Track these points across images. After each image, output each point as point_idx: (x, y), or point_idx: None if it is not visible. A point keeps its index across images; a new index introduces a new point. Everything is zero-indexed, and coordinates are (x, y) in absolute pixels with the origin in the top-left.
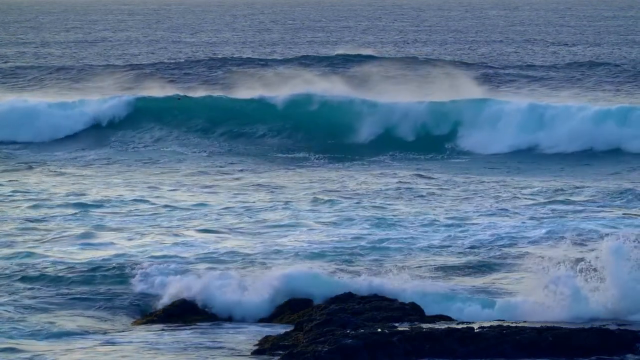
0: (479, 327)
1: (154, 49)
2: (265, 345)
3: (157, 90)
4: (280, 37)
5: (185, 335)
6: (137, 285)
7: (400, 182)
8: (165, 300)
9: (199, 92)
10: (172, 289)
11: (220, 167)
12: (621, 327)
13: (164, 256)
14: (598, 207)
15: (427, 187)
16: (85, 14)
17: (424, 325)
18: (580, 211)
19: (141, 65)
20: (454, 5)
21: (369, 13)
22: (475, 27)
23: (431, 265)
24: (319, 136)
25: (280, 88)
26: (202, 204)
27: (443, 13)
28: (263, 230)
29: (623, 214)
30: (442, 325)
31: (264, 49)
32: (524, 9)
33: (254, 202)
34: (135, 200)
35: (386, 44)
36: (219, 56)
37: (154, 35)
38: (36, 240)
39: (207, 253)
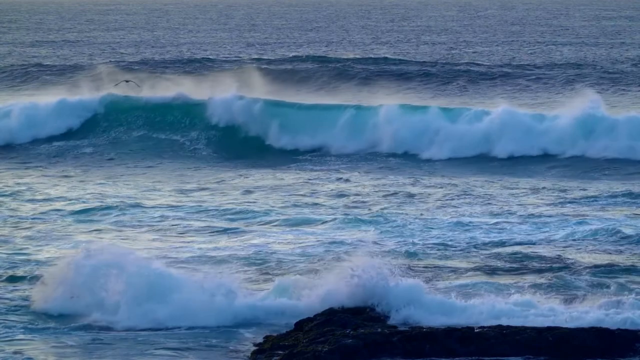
0: (478, 327)
1: (141, 49)
2: (265, 345)
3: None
4: (268, 37)
5: (185, 334)
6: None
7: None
8: None
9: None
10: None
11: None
12: (621, 327)
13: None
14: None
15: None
16: (81, 13)
17: (424, 325)
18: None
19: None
20: (451, 4)
21: (366, 13)
22: (468, 27)
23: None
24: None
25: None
26: (174, 206)
27: (440, 12)
28: (256, 232)
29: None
30: (441, 326)
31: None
32: (519, 8)
33: (248, 204)
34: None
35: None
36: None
37: (145, 35)
38: (32, 239)
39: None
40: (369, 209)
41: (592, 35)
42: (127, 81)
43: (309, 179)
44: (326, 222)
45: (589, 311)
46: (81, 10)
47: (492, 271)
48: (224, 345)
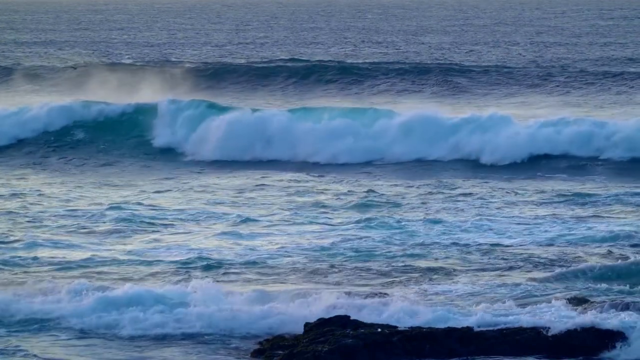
0: (478, 328)
1: (132, 49)
2: (265, 345)
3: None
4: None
5: (185, 333)
6: None
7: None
8: None
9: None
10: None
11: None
12: (620, 327)
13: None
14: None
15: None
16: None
17: (424, 325)
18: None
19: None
20: (450, 3)
21: (357, 13)
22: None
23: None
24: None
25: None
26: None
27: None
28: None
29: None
30: (442, 325)
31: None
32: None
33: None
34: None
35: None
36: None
37: (137, 35)
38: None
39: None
40: (349, 214)
41: (585, 35)
42: (74, 67)
43: (300, 182)
44: (315, 224)
45: (589, 311)
46: (79, 10)
47: (490, 272)
48: (224, 345)
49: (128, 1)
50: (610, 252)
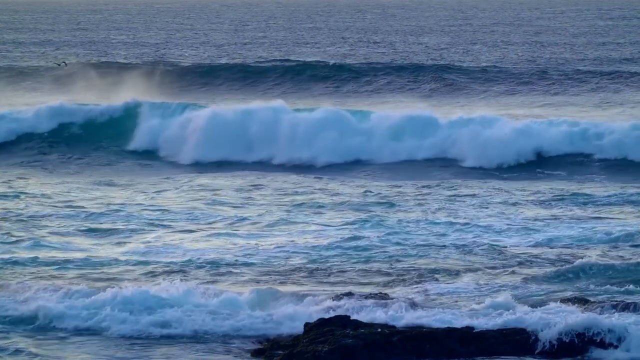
0: (478, 328)
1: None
2: (265, 345)
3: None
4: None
5: (185, 333)
6: None
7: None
8: None
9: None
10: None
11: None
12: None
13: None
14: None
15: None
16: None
17: (424, 326)
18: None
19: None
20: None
21: (354, 13)
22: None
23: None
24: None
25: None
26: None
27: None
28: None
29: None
30: (442, 325)
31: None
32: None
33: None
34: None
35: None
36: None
37: (131, 35)
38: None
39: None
40: (349, 214)
41: (583, 35)
42: (58, 64)
43: (296, 183)
44: (311, 224)
45: (589, 311)
46: (78, 10)
47: (489, 272)
48: (224, 345)
49: (127, 1)
50: (609, 252)
